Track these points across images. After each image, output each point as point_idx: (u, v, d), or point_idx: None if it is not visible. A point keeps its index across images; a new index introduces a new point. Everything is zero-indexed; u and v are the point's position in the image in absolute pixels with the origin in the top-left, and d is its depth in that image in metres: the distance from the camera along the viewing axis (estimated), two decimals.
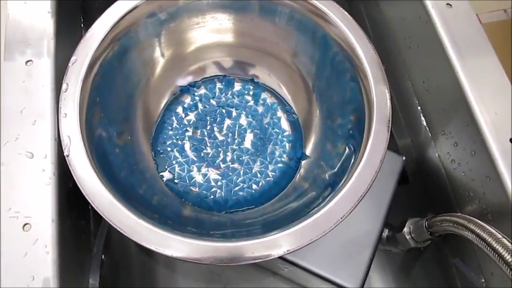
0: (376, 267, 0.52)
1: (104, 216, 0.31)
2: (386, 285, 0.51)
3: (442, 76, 0.45)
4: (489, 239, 0.32)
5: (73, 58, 0.36)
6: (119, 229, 0.31)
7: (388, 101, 0.36)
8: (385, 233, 0.46)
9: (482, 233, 0.32)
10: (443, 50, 0.43)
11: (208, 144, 0.48)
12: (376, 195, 0.44)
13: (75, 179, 0.32)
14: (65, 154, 0.33)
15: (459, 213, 0.37)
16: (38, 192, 0.35)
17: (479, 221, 0.33)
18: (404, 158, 0.46)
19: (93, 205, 0.31)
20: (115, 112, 0.41)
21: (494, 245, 0.31)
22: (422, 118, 0.50)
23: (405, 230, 0.44)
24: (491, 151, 0.39)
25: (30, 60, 0.40)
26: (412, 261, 0.52)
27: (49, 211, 0.34)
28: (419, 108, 0.51)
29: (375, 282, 0.51)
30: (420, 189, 0.52)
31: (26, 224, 0.34)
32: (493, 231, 0.32)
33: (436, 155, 0.49)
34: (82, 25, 0.55)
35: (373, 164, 0.34)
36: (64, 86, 0.35)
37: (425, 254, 0.51)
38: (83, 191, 0.32)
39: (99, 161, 0.35)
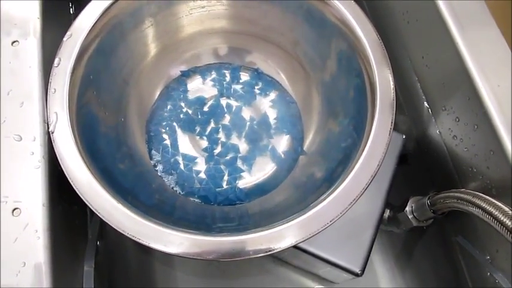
0: (377, 249, 0.51)
1: (81, 197, 0.30)
2: (388, 267, 0.50)
3: (442, 50, 0.43)
4: (496, 213, 0.31)
5: (68, 33, 0.35)
6: (95, 211, 0.30)
7: (392, 91, 0.35)
8: (386, 213, 0.45)
9: (489, 207, 0.32)
10: (443, 22, 0.42)
11: (204, 134, 0.47)
12: (376, 176, 0.42)
13: (57, 156, 0.31)
14: (50, 130, 0.32)
15: (463, 189, 0.37)
16: (27, 176, 0.33)
17: (485, 196, 0.33)
18: (404, 137, 0.45)
19: (72, 185, 0.31)
20: (108, 93, 0.40)
21: (503, 219, 0.30)
22: (422, 94, 0.49)
23: (407, 209, 0.44)
24: (494, 124, 0.38)
25: (17, 41, 0.38)
26: (413, 241, 0.51)
27: (39, 195, 0.33)
28: (418, 84, 0.50)
29: (376, 263, 0.50)
30: (421, 168, 0.51)
31: (15, 209, 0.32)
32: (501, 205, 0.31)
33: (437, 131, 0.48)
34: (71, 5, 0.53)
35: (376, 154, 0.33)
36: (56, 61, 0.34)
37: (427, 233, 0.50)
38: (64, 170, 0.31)
39: (87, 141, 0.34)
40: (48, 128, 0.33)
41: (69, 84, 0.34)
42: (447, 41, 0.42)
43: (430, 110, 0.49)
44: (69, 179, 0.31)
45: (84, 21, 0.36)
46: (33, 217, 0.32)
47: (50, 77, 0.34)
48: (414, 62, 0.50)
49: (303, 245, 0.39)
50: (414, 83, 0.50)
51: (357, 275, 0.40)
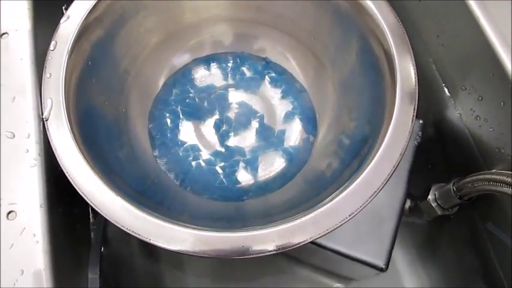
0: (398, 242, 0.48)
1: (75, 187, 0.29)
2: (410, 260, 0.48)
3: (459, 26, 0.41)
4: None
5: (65, 16, 0.34)
6: (90, 202, 0.28)
7: (414, 78, 0.33)
8: (407, 203, 0.44)
9: None
10: None
11: (209, 126, 0.45)
12: None
13: (51, 144, 0.29)
14: (43, 117, 0.30)
15: (494, 170, 0.34)
16: (22, 176, 0.31)
17: None
18: (421, 122, 0.43)
19: (66, 174, 0.29)
20: (108, 81, 0.38)
21: None
22: (439, 76, 0.47)
23: (430, 197, 0.42)
24: None
25: (6, 33, 0.35)
26: (436, 232, 0.49)
27: (36, 196, 0.31)
28: (434, 66, 0.48)
29: (397, 257, 0.48)
30: (440, 154, 0.49)
31: (10, 212, 0.30)
32: None
33: (457, 113, 0.46)
34: None
35: (398, 141, 0.31)
36: (52, 44, 0.33)
37: (451, 222, 0.48)
38: (57, 159, 0.29)
39: (84, 131, 0.32)
40: (42, 114, 0.31)
41: (66, 69, 0.32)
42: (465, 16, 0.40)
43: (448, 91, 0.47)
44: (63, 168, 0.29)
45: (83, 4, 0.34)
46: (30, 220, 0.30)
47: (46, 61, 0.32)
48: (428, 43, 0.48)
49: (321, 241, 0.37)
50: (429, 64, 0.48)
51: (381, 269, 0.38)
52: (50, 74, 0.32)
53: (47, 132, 0.30)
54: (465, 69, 0.43)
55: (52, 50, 0.32)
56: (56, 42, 0.33)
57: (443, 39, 0.45)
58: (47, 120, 0.30)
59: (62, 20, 0.34)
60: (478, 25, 0.38)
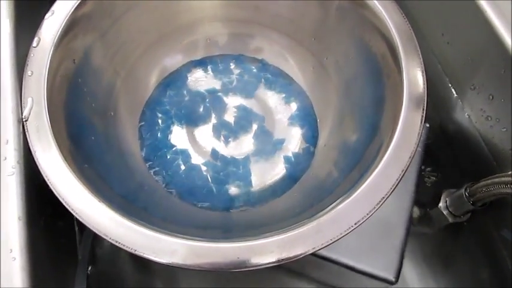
0: (406, 253, 0.46)
1: (54, 191, 0.27)
2: (419, 272, 0.45)
3: (466, 22, 0.40)
4: None
5: (50, 11, 0.32)
6: (69, 208, 0.26)
7: (422, 80, 0.31)
8: (416, 212, 0.43)
9: None
10: None
11: (205, 130, 0.43)
12: None
13: (30, 147, 0.28)
14: (22, 117, 0.29)
15: (510, 172, 0.32)
16: None
17: None
18: (428, 125, 0.42)
19: (44, 177, 0.27)
20: (96, 82, 0.37)
21: None
22: (445, 76, 0.46)
23: (441, 204, 0.42)
24: None
25: None
26: (447, 241, 0.46)
27: (14, 207, 0.28)
28: (439, 66, 0.47)
29: (406, 269, 0.45)
30: (449, 158, 0.47)
31: None
32: None
33: (466, 115, 0.45)
34: None
35: (407, 144, 0.29)
36: (35, 40, 0.31)
37: (462, 231, 0.45)
38: (36, 161, 0.28)
39: (68, 133, 0.30)
40: (21, 114, 0.29)
41: (49, 67, 0.30)
42: (472, 11, 0.39)
43: (455, 91, 0.46)
44: (42, 173, 0.27)
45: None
46: (7, 234, 0.28)
47: (27, 59, 0.30)
48: (432, 42, 0.47)
49: (325, 253, 0.36)
50: (434, 64, 0.47)
51: (391, 283, 0.36)
52: (32, 72, 0.30)
53: (26, 133, 0.28)
54: (473, 66, 0.41)
55: (35, 47, 0.31)
56: (40, 38, 0.31)
57: (448, 36, 0.44)
58: (26, 121, 0.29)
59: (46, 16, 0.32)
60: (486, 18, 0.37)
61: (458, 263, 0.46)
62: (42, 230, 0.31)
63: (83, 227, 0.38)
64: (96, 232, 0.25)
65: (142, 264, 0.44)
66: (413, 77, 0.31)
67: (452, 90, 0.46)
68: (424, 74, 0.32)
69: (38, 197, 0.31)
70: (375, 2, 0.34)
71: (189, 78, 0.45)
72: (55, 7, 0.33)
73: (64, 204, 0.26)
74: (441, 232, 0.46)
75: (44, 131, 0.28)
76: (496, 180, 0.34)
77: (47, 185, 0.28)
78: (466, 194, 0.38)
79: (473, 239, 0.45)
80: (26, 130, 0.29)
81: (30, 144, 0.28)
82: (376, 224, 0.37)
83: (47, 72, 0.30)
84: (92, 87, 0.36)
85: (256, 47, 0.46)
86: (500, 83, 0.38)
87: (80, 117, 0.34)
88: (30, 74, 0.30)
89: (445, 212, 0.41)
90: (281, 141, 0.43)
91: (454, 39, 0.44)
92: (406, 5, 0.47)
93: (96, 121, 0.36)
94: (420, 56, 0.32)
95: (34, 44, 0.31)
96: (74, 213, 0.26)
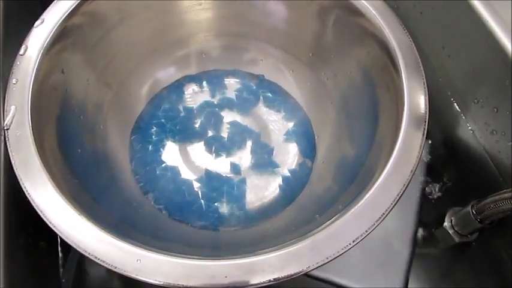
0: (411, 275, 0.44)
1: (31, 201, 0.26)
2: None
3: (467, 33, 0.40)
4: None
5: (40, 19, 0.32)
6: (46, 220, 0.25)
7: (423, 95, 0.31)
8: (420, 232, 0.42)
9: None
10: (465, 2, 0.38)
11: (196, 149, 0.42)
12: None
13: (10, 157, 0.27)
14: (3, 125, 0.28)
15: None
16: None
17: None
18: (430, 142, 0.41)
19: (22, 187, 0.26)
20: (86, 94, 0.36)
21: None
22: (447, 90, 0.45)
23: (446, 224, 0.40)
24: None
25: None
26: (453, 262, 0.44)
27: None
28: (440, 79, 0.46)
29: None
30: (453, 175, 0.46)
31: None
32: None
33: (469, 129, 0.44)
34: None
35: (408, 158, 0.28)
36: (22, 48, 0.31)
37: (469, 251, 0.43)
38: (15, 171, 0.27)
39: (53, 145, 0.30)
40: (3, 122, 0.28)
41: (35, 76, 0.30)
42: (473, 22, 0.38)
43: (457, 106, 0.45)
44: (20, 182, 0.26)
45: (61, 7, 0.33)
46: None
47: (13, 66, 0.30)
48: (432, 56, 0.46)
49: (324, 275, 0.34)
50: (435, 79, 0.46)
51: None
52: (17, 79, 0.30)
53: (7, 143, 0.27)
54: (476, 79, 0.41)
55: (21, 55, 0.31)
56: (27, 46, 0.31)
57: (449, 49, 0.44)
58: (7, 130, 0.28)
59: (36, 24, 0.32)
60: (488, 29, 0.37)
61: (467, 285, 0.43)
62: (23, 250, 0.30)
63: (67, 248, 0.36)
64: (74, 247, 0.24)
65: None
66: (414, 89, 0.31)
67: (455, 104, 0.45)
68: (426, 86, 0.31)
69: (18, 214, 0.29)
70: (374, 13, 0.33)
71: (185, 92, 0.45)
72: (45, 15, 0.32)
73: (40, 215, 0.25)
74: (447, 252, 0.44)
75: (26, 141, 0.28)
76: (505, 195, 0.32)
77: (27, 203, 0.26)
78: (473, 211, 0.36)
79: (479, 260, 0.43)
80: (6, 139, 0.28)
81: (10, 155, 0.27)
82: (378, 245, 0.36)
83: (32, 81, 0.30)
84: (81, 98, 0.35)
85: (251, 61, 0.46)
86: (504, 94, 0.37)
87: (67, 128, 0.33)
88: (15, 82, 0.30)
89: (450, 232, 0.39)
90: (277, 164, 0.42)
91: (455, 52, 0.43)
92: (404, 17, 0.47)
93: (84, 134, 0.35)
94: (421, 67, 0.32)
95: (21, 51, 0.31)
96: (50, 225, 0.25)
